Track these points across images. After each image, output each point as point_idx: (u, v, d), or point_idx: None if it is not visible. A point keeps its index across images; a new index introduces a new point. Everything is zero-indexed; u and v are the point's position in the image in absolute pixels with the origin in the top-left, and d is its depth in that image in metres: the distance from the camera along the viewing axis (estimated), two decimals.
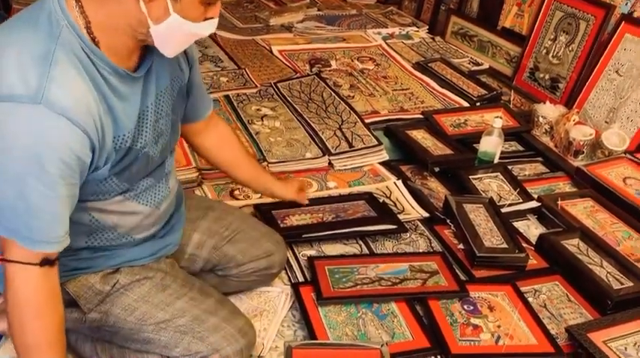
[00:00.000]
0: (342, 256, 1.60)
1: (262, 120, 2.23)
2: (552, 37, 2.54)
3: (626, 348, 1.31)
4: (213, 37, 2.96)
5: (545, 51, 2.57)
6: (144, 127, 1.06)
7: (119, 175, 1.05)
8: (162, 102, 1.11)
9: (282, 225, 1.66)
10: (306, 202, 1.67)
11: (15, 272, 0.97)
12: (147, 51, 1.04)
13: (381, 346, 1.24)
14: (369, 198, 1.82)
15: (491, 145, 2.02)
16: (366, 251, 1.64)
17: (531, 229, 1.82)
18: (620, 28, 2.25)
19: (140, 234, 1.20)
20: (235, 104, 2.31)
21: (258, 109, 2.31)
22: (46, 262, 0.98)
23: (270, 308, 1.43)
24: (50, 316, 1.01)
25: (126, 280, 1.20)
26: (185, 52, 1.17)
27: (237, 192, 1.85)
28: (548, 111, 2.27)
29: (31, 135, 0.88)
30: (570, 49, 2.45)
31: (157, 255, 1.26)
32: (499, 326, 1.37)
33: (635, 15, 2.26)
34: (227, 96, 2.37)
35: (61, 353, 1.02)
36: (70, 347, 1.25)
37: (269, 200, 1.75)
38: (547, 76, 2.55)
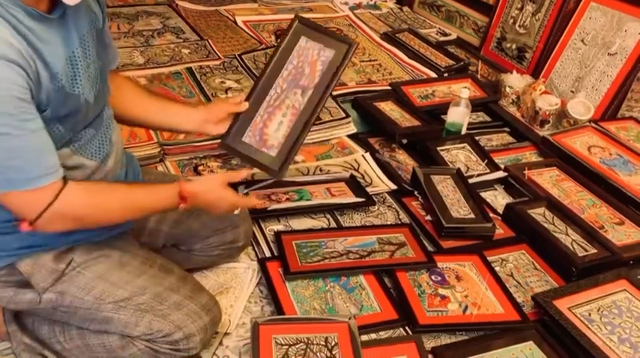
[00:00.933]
0: (309, 230, 1.58)
1: (227, 93, 2.16)
2: (519, 6, 2.52)
3: (589, 314, 1.33)
4: (174, 7, 2.86)
5: (512, 20, 2.55)
6: (77, 71, 1.02)
7: (63, 122, 1.02)
8: (88, 47, 1.06)
9: None
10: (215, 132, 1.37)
11: (64, 205, 0.99)
12: None
13: (349, 319, 1.23)
14: (350, 179, 1.80)
15: (458, 116, 2.01)
16: (334, 225, 1.62)
17: (498, 199, 1.82)
18: None
19: None
20: (198, 77, 2.24)
21: (222, 82, 2.24)
22: (65, 179, 1.00)
23: (237, 284, 1.40)
24: (106, 184, 1.12)
25: (81, 258, 1.15)
26: None
27: (201, 168, 1.80)
28: (515, 81, 2.27)
29: None
30: (537, 18, 2.44)
31: (114, 232, 1.21)
32: (466, 296, 1.37)
33: None
34: (189, 69, 2.29)
35: (140, 186, 1.18)
36: (27, 330, 1.21)
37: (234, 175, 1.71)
38: (514, 46, 2.54)
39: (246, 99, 1.34)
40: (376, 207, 1.70)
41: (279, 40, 1.34)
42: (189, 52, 2.40)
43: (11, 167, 0.94)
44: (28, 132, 0.93)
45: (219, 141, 1.37)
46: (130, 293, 1.14)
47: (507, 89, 2.26)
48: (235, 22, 2.75)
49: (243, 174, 1.30)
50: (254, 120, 1.34)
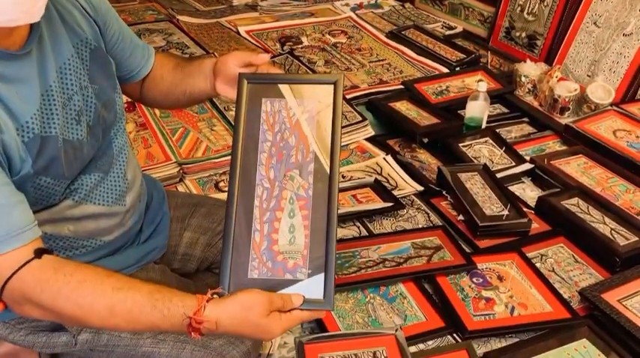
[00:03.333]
0: (341, 240, 1.54)
1: None
2: None
3: None
4: (175, 22, 2.82)
5: (519, 8, 2.51)
6: (52, 109, 0.91)
7: (47, 172, 0.91)
8: (70, 76, 0.96)
9: None
10: (261, 60, 1.04)
11: (23, 282, 0.82)
12: (32, 24, 0.89)
13: (395, 331, 1.19)
14: (375, 183, 1.75)
15: (477, 110, 1.97)
16: (365, 232, 1.58)
17: (527, 192, 1.78)
18: None
19: (109, 235, 1.09)
20: None
21: None
22: (42, 251, 0.85)
23: None
24: (92, 273, 0.86)
25: None
26: (84, 8, 1.01)
27: (222, 184, 1.77)
28: (530, 69, 2.22)
29: None
30: (545, 4, 2.40)
31: (143, 262, 1.17)
32: (511, 297, 1.33)
33: None
34: None
35: (137, 286, 0.86)
36: None
37: None
38: (524, 34, 2.50)
39: (226, 217, 0.92)
40: (405, 211, 1.66)
41: (234, 117, 0.97)
42: None
43: None
44: None
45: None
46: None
47: (523, 78, 2.22)
48: (238, 33, 2.72)
49: (296, 302, 0.88)
50: (252, 240, 0.91)
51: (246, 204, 0.92)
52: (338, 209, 0.92)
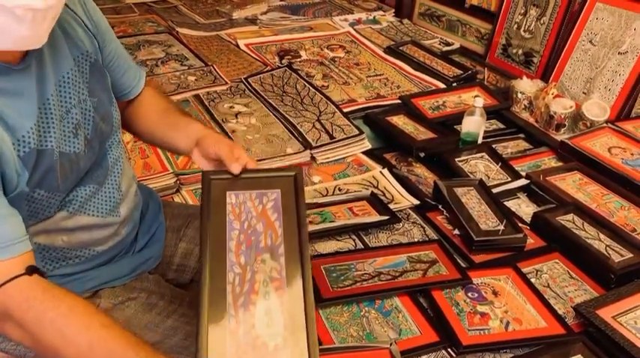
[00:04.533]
0: (337, 253, 1.54)
1: (237, 118, 2.14)
2: (522, 11, 2.51)
3: (636, 322, 1.29)
4: (175, 34, 2.84)
5: (516, 26, 2.54)
6: (50, 123, 0.91)
7: (42, 185, 0.91)
8: (69, 89, 0.96)
9: None
10: (236, 170, 1.03)
11: (10, 297, 0.82)
12: None
13: (390, 345, 1.19)
14: (371, 196, 1.75)
15: (473, 125, 1.98)
16: (360, 245, 1.58)
17: (522, 208, 1.78)
18: None
19: (102, 245, 1.09)
20: (207, 103, 2.21)
21: (231, 107, 2.21)
22: (33, 269, 0.84)
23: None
24: (83, 303, 0.86)
25: (107, 304, 1.10)
26: (85, 24, 1.02)
27: None
28: (526, 86, 2.24)
29: None
30: (542, 22, 2.42)
31: (138, 272, 1.17)
32: (506, 312, 1.33)
33: None
34: (197, 96, 2.26)
35: (122, 333, 0.85)
36: None
37: None
38: (520, 51, 2.52)
39: (199, 305, 0.89)
40: (401, 224, 1.66)
41: (201, 211, 0.99)
42: (195, 79, 2.38)
43: None
44: None
45: None
46: (162, 335, 1.10)
47: (519, 95, 2.24)
48: (238, 46, 2.74)
49: None
50: (227, 328, 0.88)
51: (218, 290, 0.90)
52: (310, 283, 0.92)
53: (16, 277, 0.82)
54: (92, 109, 1.01)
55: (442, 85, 2.41)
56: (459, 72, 2.49)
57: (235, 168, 1.02)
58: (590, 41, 2.23)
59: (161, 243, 1.24)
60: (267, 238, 0.96)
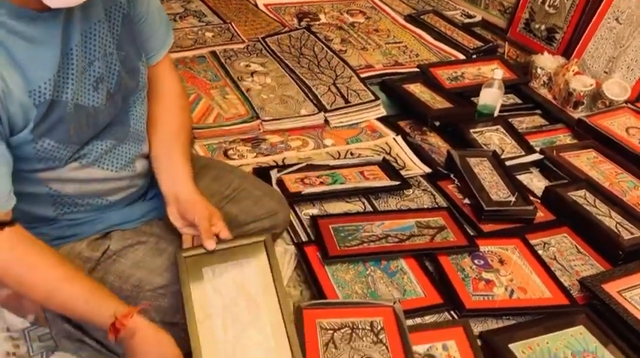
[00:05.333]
0: (345, 214, 1.54)
1: (252, 77, 2.12)
2: None
3: None
4: None
5: (540, 1, 2.48)
6: (69, 75, 0.90)
7: (51, 135, 0.91)
8: (95, 40, 0.94)
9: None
10: (208, 242, 1.06)
11: None
12: None
13: (394, 303, 1.20)
14: (383, 162, 1.75)
15: (491, 98, 1.96)
16: (369, 208, 1.58)
17: (534, 182, 1.77)
18: None
19: (114, 195, 1.10)
20: (223, 60, 2.20)
21: (247, 65, 2.20)
22: (5, 224, 0.89)
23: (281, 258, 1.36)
24: (45, 261, 0.92)
25: (117, 246, 1.11)
26: None
27: (231, 152, 1.77)
28: (547, 62, 2.21)
29: None
30: None
31: (149, 217, 1.18)
32: (511, 280, 1.34)
33: None
34: (214, 52, 2.25)
35: (82, 281, 0.94)
36: (66, 317, 1.18)
37: (266, 160, 1.69)
38: (543, 27, 2.47)
39: None
40: (411, 191, 1.66)
41: (181, 291, 1.02)
42: (212, 36, 2.36)
43: None
44: None
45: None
46: (169, 280, 1.11)
47: (539, 70, 2.20)
48: (256, 5, 2.70)
49: None
50: None
51: None
52: (295, 336, 1.00)
53: None
54: (118, 63, 1.00)
55: (462, 57, 2.38)
56: (480, 44, 2.46)
57: (210, 245, 1.04)
58: (617, 19, 2.18)
59: None
60: (249, 311, 1.02)
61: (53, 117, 0.90)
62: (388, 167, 1.72)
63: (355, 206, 1.60)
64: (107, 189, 1.08)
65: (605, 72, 2.19)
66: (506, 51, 2.52)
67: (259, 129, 1.87)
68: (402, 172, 1.71)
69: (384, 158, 1.77)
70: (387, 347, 1.12)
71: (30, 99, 0.86)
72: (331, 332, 1.14)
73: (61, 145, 0.93)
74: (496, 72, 1.93)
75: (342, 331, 1.15)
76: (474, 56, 2.38)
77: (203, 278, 1.04)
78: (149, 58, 1.13)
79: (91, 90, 0.95)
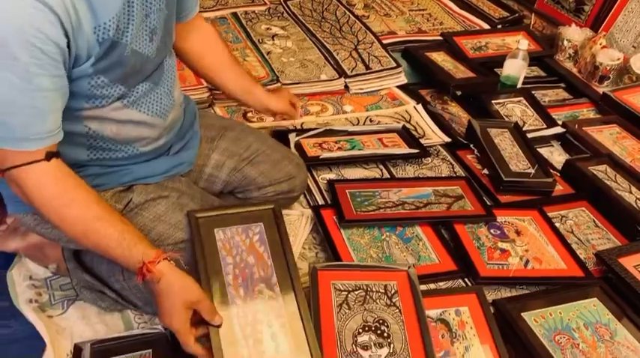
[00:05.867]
0: (363, 180, 1.54)
1: (273, 40, 2.11)
2: None
3: None
4: None
5: None
6: (130, 21, 0.95)
7: (108, 73, 0.95)
8: None
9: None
10: (298, 116, 1.54)
11: (25, 177, 0.91)
12: None
13: (408, 268, 1.21)
14: (403, 129, 1.74)
15: (515, 69, 1.93)
16: (387, 175, 1.58)
17: (555, 155, 1.76)
18: None
19: (145, 146, 1.13)
20: (244, 22, 2.18)
21: (268, 28, 2.18)
22: (52, 155, 0.92)
23: (291, 231, 1.38)
24: (84, 196, 0.96)
25: (140, 199, 1.14)
26: None
27: (250, 114, 1.77)
28: (574, 34, 2.16)
29: None
30: None
31: (172, 173, 1.20)
32: (527, 251, 1.34)
33: None
34: (235, 14, 2.23)
35: (115, 222, 0.97)
36: (86, 268, 1.21)
37: (285, 124, 1.69)
38: None
39: (212, 339, 0.98)
40: (430, 160, 1.65)
41: (193, 249, 1.08)
42: None
43: (2, 120, 0.86)
44: (34, 88, 0.84)
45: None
46: (189, 235, 1.13)
47: (565, 42, 2.16)
48: None
49: (217, 321, 0.99)
50: (241, 356, 0.97)
51: (226, 322, 0.99)
52: (306, 304, 1.05)
53: (34, 162, 0.90)
54: (163, 21, 1.05)
55: (486, 26, 2.33)
56: (506, 14, 2.41)
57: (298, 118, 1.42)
58: None
59: (195, 150, 1.27)
60: (259, 270, 1.07)
61: (113, 57, 0.94)
62: (407, 134, 1.71)
63: (372, 172, 1.60)
64: (141, 136, 1.10)
65: (633, 46, 2.13)
66: (532, 22, 2.47)
67: None
68: (422, 141, 1.70)
69: (403, 126, 1.76)
70: (399, 310, 1.13)
71: (94, 35, 0.89)
72: (345, 293, 1.16)
73: (113, 85, 0.97)
74: (521, 42, 1.89)
75: (356, 293, 1.16)
76: (499, 26, 2.34)
77: (215, 238, 1.10)
78: (183, 16, 1.21)
79: (147, 40, 1.00)
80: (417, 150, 1.63)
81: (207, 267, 1.05)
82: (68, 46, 0.87)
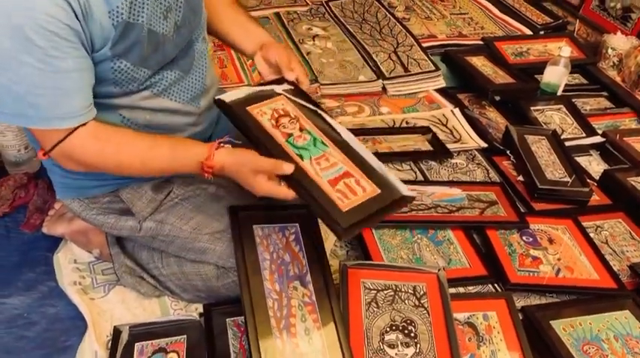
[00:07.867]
0: None
1: (313, 40, 2.14)
2: None
3: None
4: None
5: None
6: (145, 1, 0.96)
7: (127, 56, 0.97)
8: None
9: None
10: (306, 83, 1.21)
11: (71, 148, 0.97)
12: None
13: (438, 270, 1.22)
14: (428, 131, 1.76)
15: (555, 76, 1.91)
16: (420, 178, 1.60)
17: (593, 165, 1.73)
18: None
19: (183, 132, 1.16)
20: (285, 22, 2.22)
21: (309, 28, 2.21)
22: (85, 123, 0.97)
23: (323, 227, 1.41)
24: (126, 137, 1.02)
25: (180, 190, 1.19)
26: None
27: None
28: (619, 42, 2.12)
29: (7, 6, 0.83)
30: None
31: None
32: (559, 259, 1.33)
33: None
34: (277, 14, 2.27)
35: (162, 143, 1.03)
36: (128, 254, 1.27)
37: None
38: (619, 5, 2.35)
39: (246, 327, 1.03)
40: (465, 164, 1.66)
41: (234, 242, 1.14)
42: None
43: (29, 103, 0.90)
44: (55, 70, 0.88)
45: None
46: (226, 225, 1.17)
47: (609, 51, 2.12)
48: None
49: (287, 169, 0.99)
50: (277, 349, 1.01)
51: (262, 315, 1.04)
52: (338, 300, 1.08)
53: (72, 132, 0.96)
54: None
55: (528, 32, 2.31)
56: (549, 20, 2.38)
57: (290, 76, 1.15)
58: None
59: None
60: (294, 267, 1.12)
61: (130, 38, 0.96)
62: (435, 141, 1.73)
63: (407, 174, 1.61)
64: (175, 123, 1.13)
65: None
66: (576, 29, 2.43)
67: (317, 93, 1.89)
68: (457, 145, 1.71)
69: (433, 134, 1.75)
70: (427, 312, 1.15)
71: (109, 19, 0.92)
72: (374, 292, 1.18)
73: (136, 68, 1.00)
74: (564, 49, 1.87)
75: (385, 292, 1.18)
76: (542, 32, 2.31)
77: (253, 234, 1.15)
78: None
79: (162, 18, 1.01)
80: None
81: (245, 262, 1.10)
82: (84, 31, 0.90)
